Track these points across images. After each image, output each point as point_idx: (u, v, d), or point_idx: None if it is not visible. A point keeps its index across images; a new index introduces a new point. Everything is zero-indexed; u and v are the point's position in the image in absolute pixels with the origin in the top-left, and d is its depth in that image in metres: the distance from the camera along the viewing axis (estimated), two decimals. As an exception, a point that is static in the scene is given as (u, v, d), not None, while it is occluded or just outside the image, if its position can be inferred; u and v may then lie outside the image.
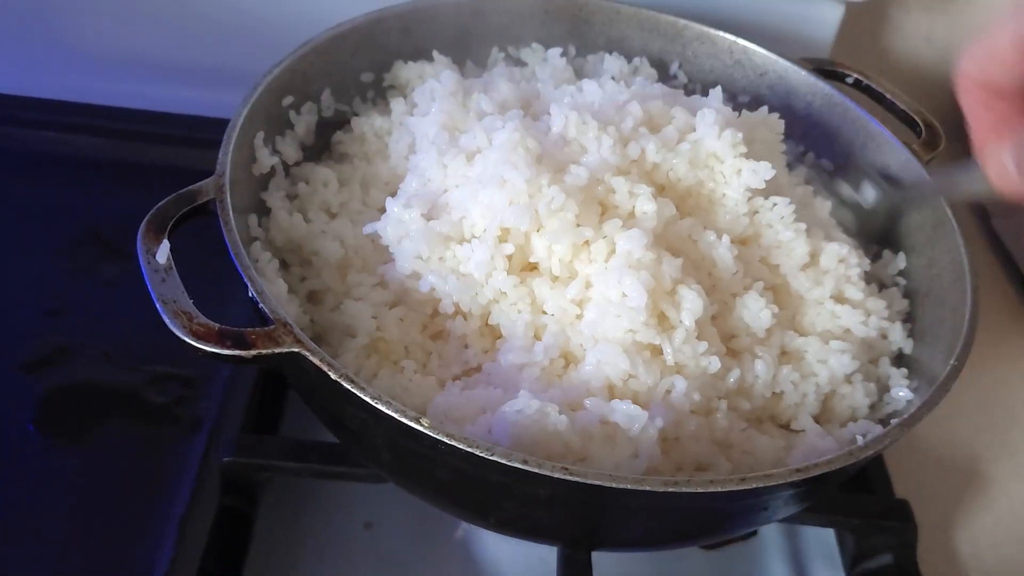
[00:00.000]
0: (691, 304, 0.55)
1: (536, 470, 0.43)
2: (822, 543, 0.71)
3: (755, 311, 0.57)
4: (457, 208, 0.58)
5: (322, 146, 0.72)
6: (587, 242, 0.57)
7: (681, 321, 0.55)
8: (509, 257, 0.56)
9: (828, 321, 0.61)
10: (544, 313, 0.56)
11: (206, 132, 0.80)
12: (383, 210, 0.65)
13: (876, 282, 0.68)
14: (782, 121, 0.68)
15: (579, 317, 0.56)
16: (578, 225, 0.56)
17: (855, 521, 0.65)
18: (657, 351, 0.55)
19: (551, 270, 0.56)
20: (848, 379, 0.60)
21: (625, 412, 0.50)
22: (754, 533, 0.73)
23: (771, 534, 0.73)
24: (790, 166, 0.74)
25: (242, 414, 0.66)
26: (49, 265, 0.76)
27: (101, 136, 0.86)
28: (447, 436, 0.44)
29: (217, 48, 0.92)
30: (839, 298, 0.62)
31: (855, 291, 0.62)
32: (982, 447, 0.78)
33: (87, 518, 0.61)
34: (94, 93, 0.88)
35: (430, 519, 0.71)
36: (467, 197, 0.57)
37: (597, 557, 0.58)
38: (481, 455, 0.43)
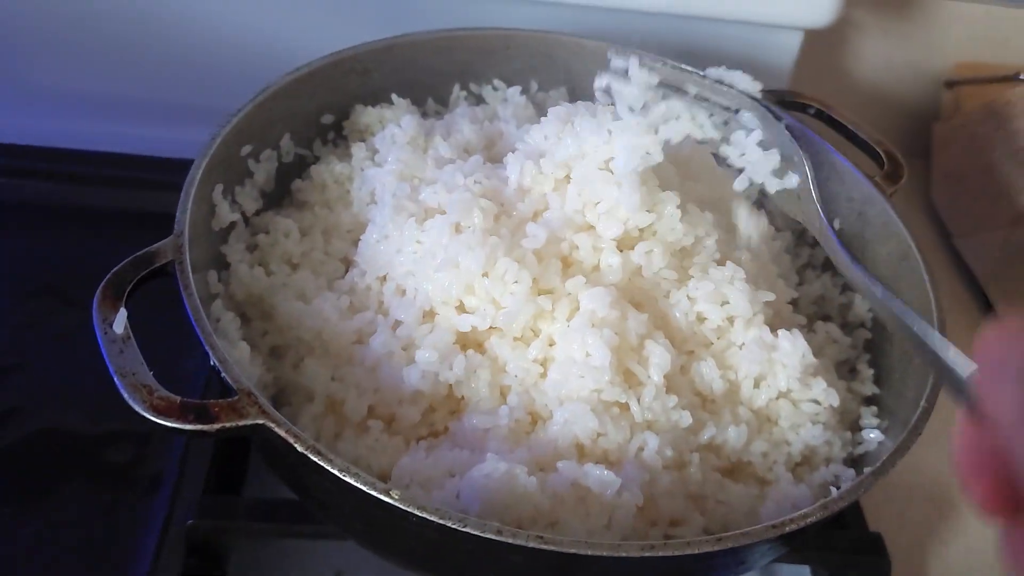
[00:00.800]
0: (659, 359, 0.54)
1: (511, 540, 0.42)
2: (796, 577, 0.71)
3: (708, 378, 0.57)
4: (411, 287, 0.57)
5: (282, 192, 0.71)
6: (551, 292, 0.56)
7: (649, 376, 0.54)
8: (467, 333, 0.56)
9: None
10: (506, 372, 0.55)
11: (163, 174, 0.78)
12: (345, 260, 0.65)
13: (846, 323, 0.69)
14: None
15: (543, 376, 0.55)
16: (539, 292, 0.55)
17: (830, 557, 0.65)
18: (626, 407, 0.54)
19: (511, 333, 0.55)
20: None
21: (598, 477, 0.49)
22: (730, 569, 0.73)
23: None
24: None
25: (203, 473, 0.64)
26: (0, 319, 0.74)
27: (52, 181, 0.83)
28: (419, 508, 0.43)
29: (174, 86, 0.90)
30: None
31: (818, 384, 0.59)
32: (951, 474, 0.78)
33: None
34: (45, 135, 0.85)
35: (400, 570, 0.70)
36: (421, 277, 0.57)
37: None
38: (454, 527, 0.42)
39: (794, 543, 0.54)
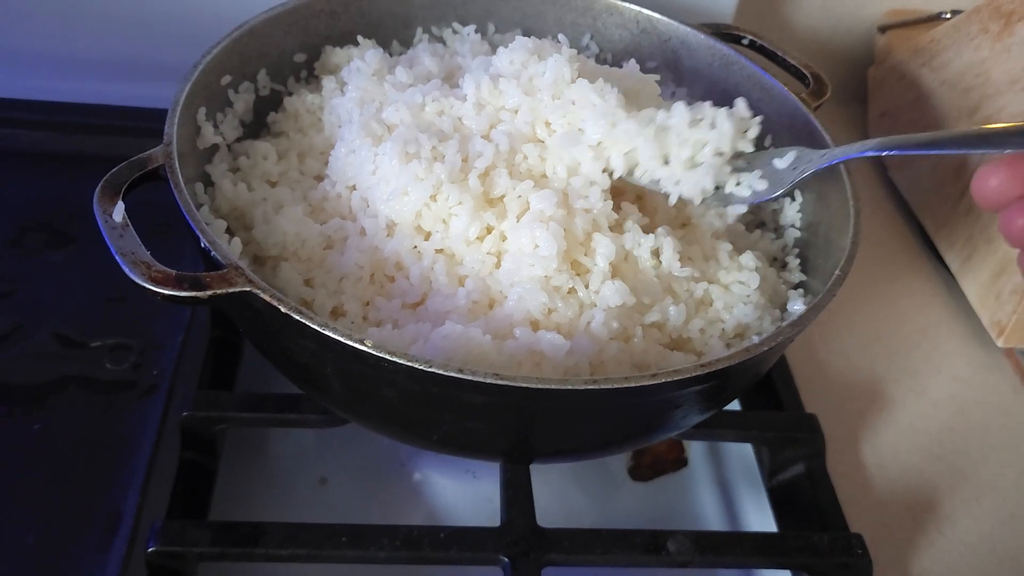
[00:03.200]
0: (604, 249, 0.60)
1: (470, 377, 0.48)
2: (744, 464, 0.77)
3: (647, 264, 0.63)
4: (372, 201, 0.63)
5: (260, 125, 0.76)
6: (502, 197, 0.62)
7: (596, 264, 0.60)
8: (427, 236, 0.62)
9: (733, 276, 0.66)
10: (463, 265, 0.61)
11: (142, 121, 0.85)
12: (319, 178, 0.70)
13: (777, 226, 0.76)
14: (655, 76, 0.73)
15: (496, 266, 0.61)
16: (488, 202, 0.61)
17: (768, 434, 0.72)
18: (574, 291, 0.60)
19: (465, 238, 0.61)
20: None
21: (550, 341, 0.56)
22: (684, 464, 0.80)
23: (699, 463, 0.80)
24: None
25: (197, 375, 0.70)
26: (-1, 251, 0.80)
27: (40, 130, 0.89)
28: (389, 353, 0.49)
29: (151, 42, 0.95)
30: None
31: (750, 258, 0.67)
32: (882, 371, 0.86)
33: (53, 478, 0.64)
34: (31, 90, 0.91)
35: (382, 471, 0.76)
36: (378, 200, 0.63)
37: (537, 494, 0.64)
38: (421, 368, 0.48)
39: (725, 396, 0.61)
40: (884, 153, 0.57)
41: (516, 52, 0.67)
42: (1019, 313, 0.84)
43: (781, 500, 0.72)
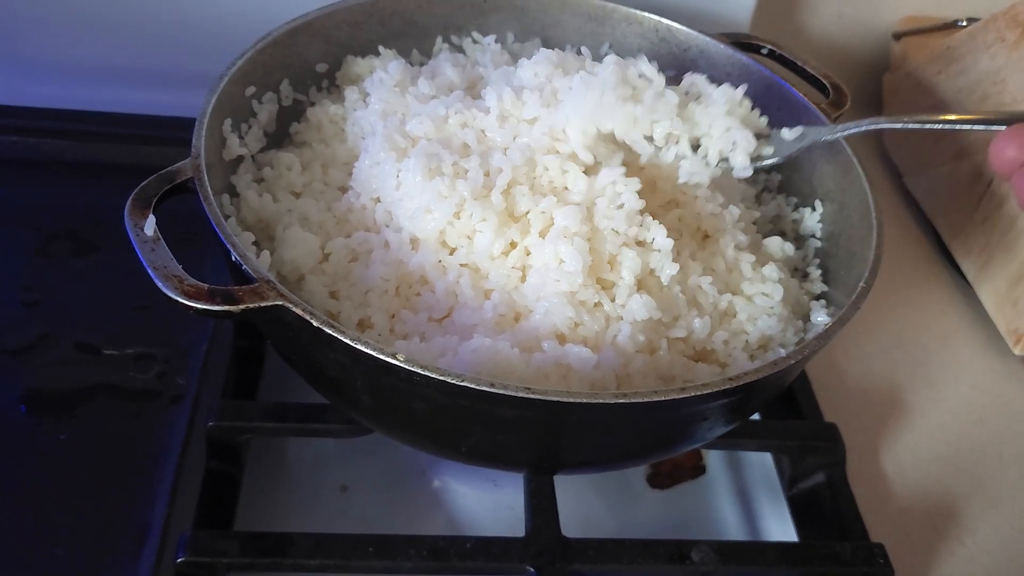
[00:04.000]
0: (630, 263, 0.61)
1: (502, 391, 0.49)
2: (763, 473, 0.78)
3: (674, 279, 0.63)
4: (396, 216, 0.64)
5: (283, 134, 0.77)
6: (526, 213, 0.62)
7: (622, 278, 0.61)
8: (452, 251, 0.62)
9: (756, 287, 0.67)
10: (488, 279, 0.61)
11: (166, 130, 0.85)
12: (343, 189, 0.71)
13: (797, 236, 0.76)
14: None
15: (522, 280, 0.61)
16: (511, 218, 0.62)
17: (789, 443, 0.72)
18: (600, 305, 0.60)
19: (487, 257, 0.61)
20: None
21: (577, 355, 0.56)
22: (703, 472, 0.80)
23: (717, 471, 0.80)
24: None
25: (221, 384, 0.71)
26: (25, 262, 0.80)
27: (65, 139, 0.90)
28: (421, 368, 0.49)
29: (174, 51, 0.96)
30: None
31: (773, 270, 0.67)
32: (901, 379, 0.86)
33: (82, 488, 0.65)
34: (55, 99, 0.92)
35: (402, 479, 0.77)
36: (402, 217, 0.63)
37: (559, 503, 0.64)
38: (453, 382, 0.49)
39: (750, 408, 0.61)
40: (887, 127, 0.64)
41: (540, 65, 0.68)
42: (1037, 321, 0.84)
43: (801, 509, 0.73)
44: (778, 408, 0.78)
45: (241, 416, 0.67)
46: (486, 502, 0.75)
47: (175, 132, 0.70)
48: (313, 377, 0.60)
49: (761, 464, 0.78)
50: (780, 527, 0.73)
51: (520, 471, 0.63)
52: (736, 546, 0.65)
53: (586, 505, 0.77)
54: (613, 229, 0.62)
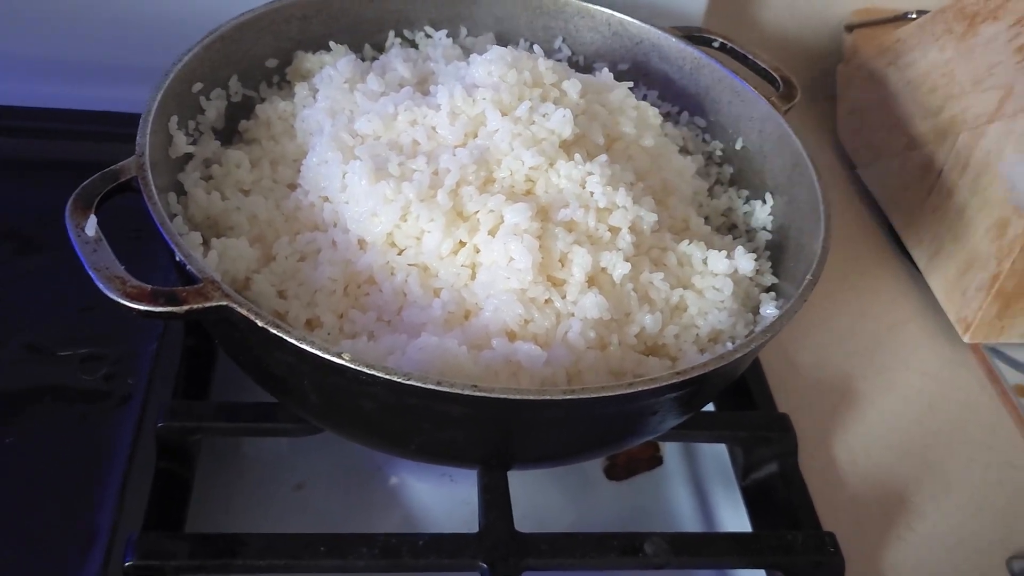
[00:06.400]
0: (581, 260, 0.60)
1: (448, 389, 0.49)
2: (718, 464, 0.78)
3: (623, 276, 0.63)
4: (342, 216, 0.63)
5: (231, 130, 0.76)
6: (476, 214, 0.62)
7: (572, 275, 0.61)
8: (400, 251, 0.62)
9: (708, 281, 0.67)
10: (437, 277, 0.61)
11: (111, 126, 0.84)
12: (292, 186, 0.70)
13: (748, 228, 0.77)
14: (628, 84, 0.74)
15: (472, 278, 0.61)
16: (459, 216, 0.61)
17: (741, 434, 0.73)
18: (550, 302, 0.60)
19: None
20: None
21: (527, 352, 0.56)
22: (659, 463, 0.81)
23: (673, 461, 0.81)
24: (668, 119, 0.82)
25: (171, 384, 0.70)
26: (-33, 263, 0.78)
27: (3, 136, 0.88)
28: (367, 367, 0.49)
29: (118, 45, 0.94)
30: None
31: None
32: (852, 368, 0.87)
33: (29, 491, 0.63)
34: (-2, 95, 0.90)
35: (357, 476, 0.76)
36: (349, 219, 0.62)
37: (514, 493, 0.64)
38: (399, 380, 0.49)
39: (700, 401, 0.62)
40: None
41: (494, 64, 0.67)
42: (984, 309, 0.86)
43: (755, 498, 0.73)
44: (732, 398, 0.79)
45: (191, 416, 0.67)
46: (442, 497, 0.75)
47: (121, 128, 0.68)
48: (261, 377, 0.59)
49: (716, 453, 0.79)
50: (735, 517, 0.74)
51: (472, 468, 0.63)
52: (688, 538, 0.65)
53: (543, 497, 0.77)
54: (566, 222, 0.62)
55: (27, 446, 0.66)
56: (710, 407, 0.80)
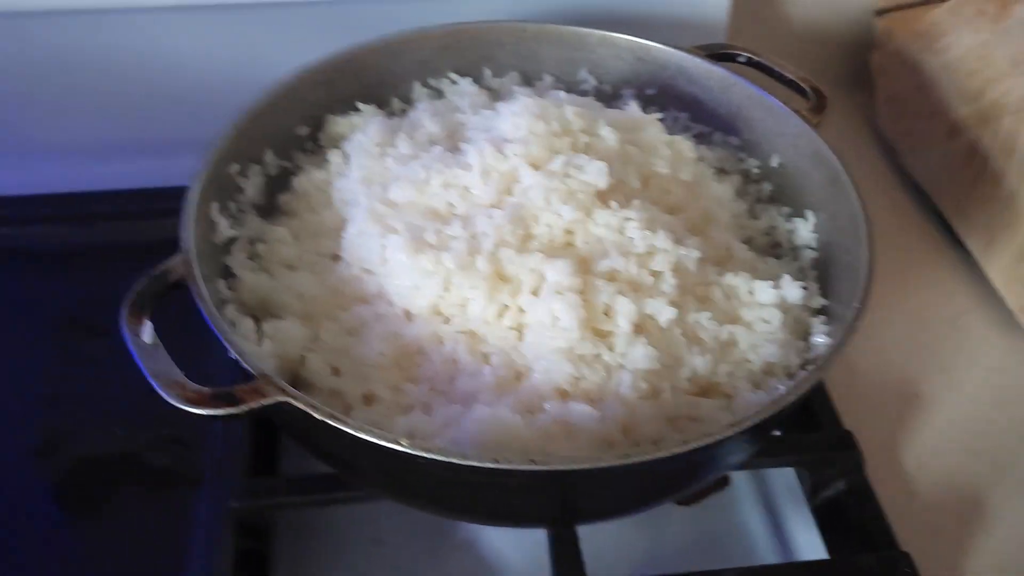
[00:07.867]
0: (625, 309, 0.61)
1: (505, 466, 0.49)
2: (786, 483, 0.77)
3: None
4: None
5: (271, 203, 0.77)
6: (517, 275, 0.62)
7: (618, 325, 0.61)
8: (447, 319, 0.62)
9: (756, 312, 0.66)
10: (485, 343, 0.62)
11: (158, 203, 0.85)
12: (335, 256, 0.71)
13: (794, 247, 0.76)
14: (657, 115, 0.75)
15: (519, 339, 0.61)
16: (500, 279, 0.62)
17: (806, 457, 0.72)
18: (599, 357, 0.60)
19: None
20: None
21: (580, 412, 0.57)
22: (727, 484, 0.80)
23: (741, 483, 0.80)
24: (702, 141, 0.81)
25: (242, 462, 0.72)
26: (34, 354, 0.81)
27: (58, 224, 0.91)
28: (424, 451, 0.50)
29: (156, 120, 0.97)
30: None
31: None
32: (916, 368, 0.85)
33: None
34: (41, 183, 0.93)
35: (432, 528, 0.77)
36: (392, 292, 0.64)
37: (585, 530, 0.65)
38: (457, 462, 0.50)
39: (759, 442, 0.62)
40: None
41: (520, 117, 0.67)
42: (1046, 296, 0.83)
43: (827, 517, 0.72)
44: (796, 418, 0.78)
45: (265, 493, 0.68)
46: (516, 543, 0.76)
47: (168, 203, 0.69)
48: (325, 459, 0.61)
49: (784, 473, 0.78)
50: (808, 538, 0.73)
51: (540, 527, 0.64)
52: (763, 571, 0.65)
53: (614, 526, 0.77)
54: (608, 271, 0.62)
55: (109, 535, 0.69)
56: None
